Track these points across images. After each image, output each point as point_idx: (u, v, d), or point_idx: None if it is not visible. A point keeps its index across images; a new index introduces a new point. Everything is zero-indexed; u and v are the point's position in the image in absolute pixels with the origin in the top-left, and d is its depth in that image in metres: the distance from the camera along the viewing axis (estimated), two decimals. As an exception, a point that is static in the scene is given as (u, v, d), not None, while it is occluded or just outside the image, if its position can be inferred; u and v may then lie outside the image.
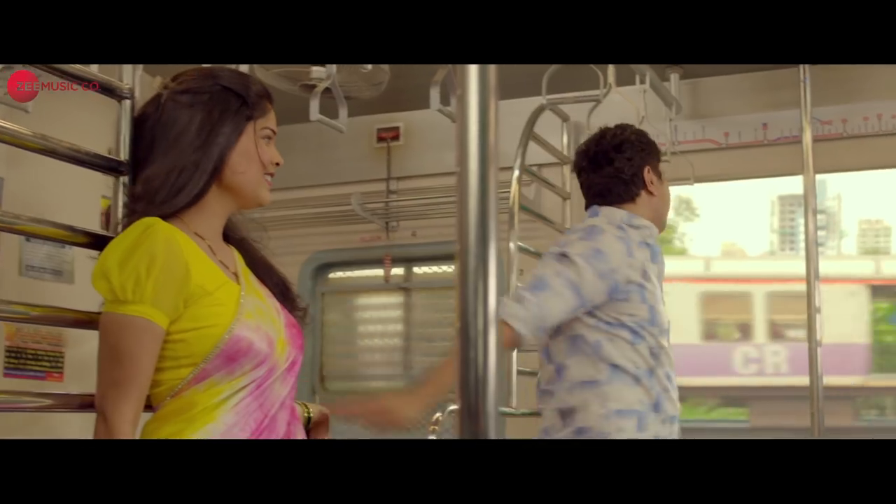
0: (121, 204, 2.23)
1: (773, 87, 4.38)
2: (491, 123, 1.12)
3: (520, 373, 3.83)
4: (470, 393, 1.08)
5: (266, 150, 2.17)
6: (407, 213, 5.00)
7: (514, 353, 3.77)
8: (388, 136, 5.03)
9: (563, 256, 2.96)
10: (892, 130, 4.34)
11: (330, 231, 5.15)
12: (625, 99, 3.99)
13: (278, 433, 2.08)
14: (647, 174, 3.21)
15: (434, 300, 5.31)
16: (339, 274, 5.53)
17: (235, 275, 2.13)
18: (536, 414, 4.34)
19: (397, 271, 5.20)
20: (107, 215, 2.30)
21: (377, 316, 5.47)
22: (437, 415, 3.24)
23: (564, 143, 4.64)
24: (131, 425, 1.93)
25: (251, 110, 2.14)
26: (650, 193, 3.21)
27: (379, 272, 5.06)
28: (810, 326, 3.89)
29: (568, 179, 4.63)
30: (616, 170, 3.18)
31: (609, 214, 3.17)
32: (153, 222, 1.99)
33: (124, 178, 2.24)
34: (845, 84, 4.31)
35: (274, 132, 2.21)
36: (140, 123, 2.17)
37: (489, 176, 1.10)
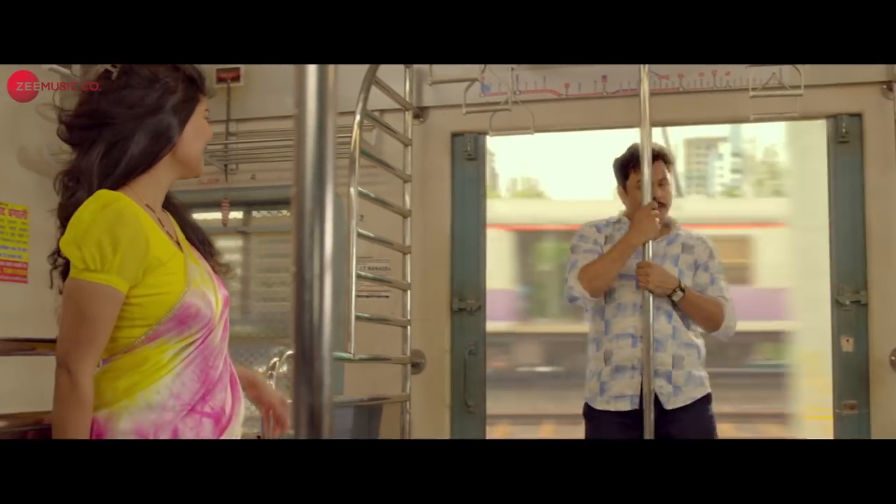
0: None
1: (613, 41, 4.45)
2: (330, 66, 1.10)
3: (358, 318, 3.83)
4: (305, 336, 1.08)
5: (208, 127, 2.46)
6: (246, 156, 4.91)
7: (354, 298, 3.77)
8: (229, 76, 4.93)
9: None
10: (725, 87, 4.48)
11: (167, 172, 5.02)
12: (468, 47, 3.99)
13: (224, 383, 2.37)
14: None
15: (273, 245, 5.27)
16: (176, 216, 5.40)
17: (178, 243, 2.38)
18: (376, 359, 4.37)
19: (236, 215, 5.12)
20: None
21: (215, 260, 5.37)
22: (274, 359, 3.22)
23: (407, 89, 4.64)
24: (90, 378, 2.18)
25: (200, 91, 2.41)
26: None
27: (217, 215, 4.97)
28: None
29: (410, 126, 4.63)
30: None
31: None
32: (118, 197, 2.22)
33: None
34: (682, 40, 4.41)
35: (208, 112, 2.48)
36: (90, 95, 2.33)
37: (327, 118, 1.08)
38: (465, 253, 4.76)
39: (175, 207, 2.50)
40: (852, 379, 4.35)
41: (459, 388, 4.69)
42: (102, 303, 2.18)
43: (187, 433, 2.24)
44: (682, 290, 3.71)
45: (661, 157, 3.93)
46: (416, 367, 4.65)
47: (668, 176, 3.94)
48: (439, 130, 4.78)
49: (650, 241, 3.81)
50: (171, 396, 2.24)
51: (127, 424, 2.20)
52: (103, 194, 2.22)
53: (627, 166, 4.01)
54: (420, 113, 4.75)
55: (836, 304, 4.39)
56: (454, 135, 4.79)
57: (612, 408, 3.80)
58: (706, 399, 3.88)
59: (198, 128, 2.40)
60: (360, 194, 3.89)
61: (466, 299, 4.72)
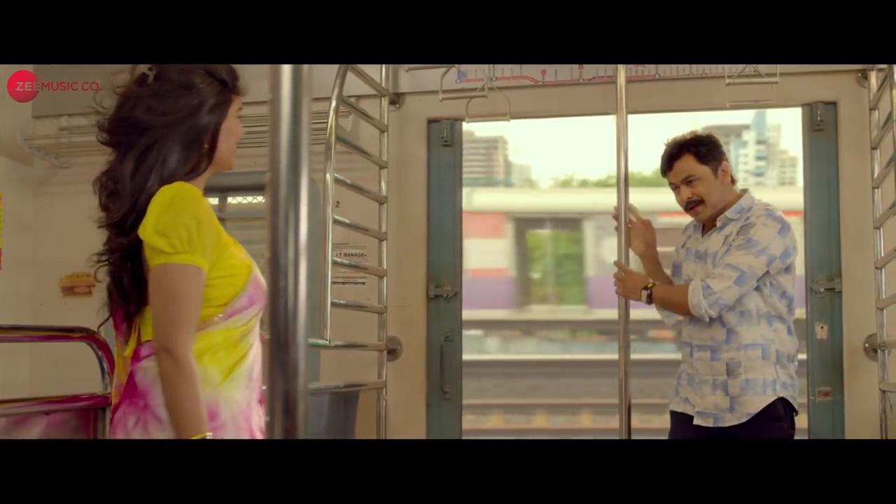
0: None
1: (590, 27, 4.44)
2: (305, 52, 1.10)
3: (334, 305, 3.82)
4: (280, 323, 1.07)
5: (240, 125, 2.53)
6: (222, 142, 4.88)
7: (329, 284, 3.77)
8: (204, 62, 4.89)
9: None
10: (701, 74, 4.48)
11: (141, 158, 4.98)
12: (444, 33, 3.98)
13: (263, 360, 2.47)
14: None
15: (249, 231, 5.24)
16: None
17: None
18: (352, 346, 4.36)
19: (211, 201, 5.08)
20: None
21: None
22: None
23: (383, 75, 4.62)
24: (192, 356, 2.24)
25: (232, 91, 2.47)
26: None
27: (192, 201, 4.93)
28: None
29: (386, 112, 4.61)
30: None
31: None
32: (189, 187, 2.33)
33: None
34: (658, 27, 4.41)
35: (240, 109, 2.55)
36: (126, 100, 2.39)
37: (302, 102, 1.07)
38: (441, 239, 4.75)
39: None
40: (826, 366, 4.38)
41: (435, 374, 4.69)
42: (192, 282, 2.25)
43: (255, 417, 2.37)
44: (648, 289, 3.62)
45: (689, 150, 3.61)
46: (392, 353, 4.65)
47: (702, 169, 3.58)
48: (415, 116, 4.77)
49: (693, 237, 3.80)
50: (250, 372, 2.39)
51: (236, 394, 2.31)
52: (169, 186, 2.31)
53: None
54: (396, 99, 4.74)
55: (811, 291, 4.42)
56: (430, 121, 4.78)
57: (676, 409, 3.74)
58: (767, 413, 3.50)
59: (230, 127, 2.47)
60: (336, 180, 3.88)
61: (443, 286, 4.72)
